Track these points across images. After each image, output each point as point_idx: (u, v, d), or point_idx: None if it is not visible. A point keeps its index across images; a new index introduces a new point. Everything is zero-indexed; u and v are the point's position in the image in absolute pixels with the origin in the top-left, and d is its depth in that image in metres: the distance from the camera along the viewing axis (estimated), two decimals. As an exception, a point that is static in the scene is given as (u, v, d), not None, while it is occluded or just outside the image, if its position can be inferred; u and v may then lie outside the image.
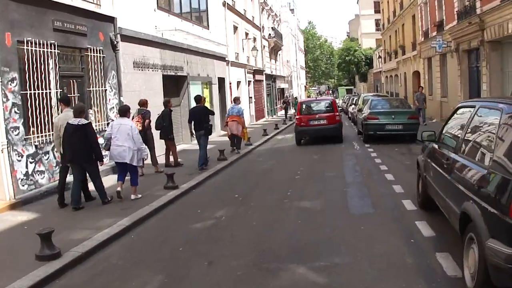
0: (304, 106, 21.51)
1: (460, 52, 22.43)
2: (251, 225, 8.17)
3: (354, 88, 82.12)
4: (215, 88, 26.64)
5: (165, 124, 14.55)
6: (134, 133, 10.16)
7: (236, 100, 19.51)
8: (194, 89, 22.55)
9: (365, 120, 18.81)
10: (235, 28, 32.84)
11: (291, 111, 44.88)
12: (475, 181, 4.99)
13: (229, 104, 28.72)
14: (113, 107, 15.57)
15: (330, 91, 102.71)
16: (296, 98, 46.39)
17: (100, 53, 14.83)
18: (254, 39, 38.36)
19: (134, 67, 16.94)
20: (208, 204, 10.07)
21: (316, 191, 10.55)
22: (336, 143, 19.58)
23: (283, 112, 52.99)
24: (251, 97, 37.45)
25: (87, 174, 9.96)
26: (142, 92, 17.29)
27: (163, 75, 19.21)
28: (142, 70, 17.55)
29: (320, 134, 20.13)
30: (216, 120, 25.77)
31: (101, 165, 10.25)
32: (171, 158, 15.05)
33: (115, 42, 15.69)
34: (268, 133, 25.39)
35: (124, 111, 10.64)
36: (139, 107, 14.21)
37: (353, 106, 32.58)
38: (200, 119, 14.49)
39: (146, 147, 11.16)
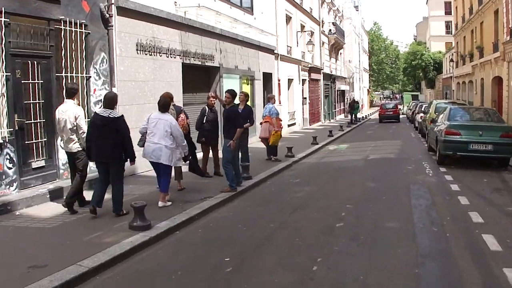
0: (383, 105, 44.05)
1: None
2: None
3: (421, 95, 75.54)
4: (259, 84, 22.02)
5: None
6: (175, 129, 8.75)
7: (270, 99, 15.66)
8: (229, 84, 18.01)
9: (442, 135, 13.68)
10: (288, 18, 28.08)
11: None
12: None
13: (276, 105, 24.27)
14: (101, 101, 11.30)
15: (398, 96, 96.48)
16: (357, 102, 41.02)
17: (82, 28, 10.80)
18: (312, 33, 33.43)
19: (138, 50, 12.63)
20: (174, 274, 5.62)
21: (364, 271, 5.68)
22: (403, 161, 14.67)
23: (342, 116, 48.09)
24: (305, 98, 32.60)
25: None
26: (149, 83, 13.05)
27: (183, 63, 14.78)
28: (151, 55, 13.19)
29: (389, 118, 40.03)
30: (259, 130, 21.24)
31: (131, 165, 8.73)
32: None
33: (107, 16, 11.48)
34: (319, 141, 20.48)
35: (164, 106, 8.97)
36: (173, 103, 10.27)
37: (421, 114, 27.12)
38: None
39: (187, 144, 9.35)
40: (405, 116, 47.63)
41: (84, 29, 10.86)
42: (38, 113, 9.70)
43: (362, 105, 64.01)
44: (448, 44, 61.86)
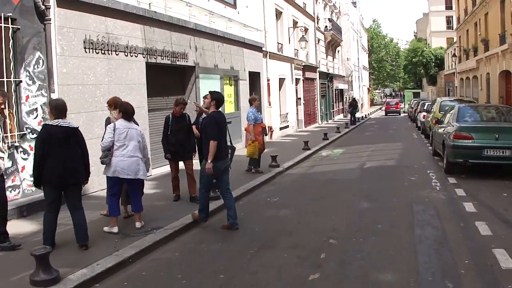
0: (388, 103, 57.01)
1: None
2: None
3: (422, 92, 73.14)
4: (244, 85, 19.88)
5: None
6: (144, 140, 7.71)
7: (252, 102, 13.14)
8: (208, 85, 15.95)
9: (451, 140, 11.53)
10: (279, 13, 25.93)
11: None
12: None
13: (266, 106, 22.22)
14: (36, 110, 9.31)
15: (403, 93, 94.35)
16: (356, 101, 38.51)
17: (8, 23, 8.76)
18: (305, 30, 31.23)
19: (86, 48, 10.54)
20: None
21: None
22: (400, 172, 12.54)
23: (341, 116, 45.92)
24: (300, 98, 30.45)
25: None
26: (103, 87, 10.98)
27: (147, 63, 12.69)
28: (105, 54, 11.10)
29: (392, 112, 52.91)
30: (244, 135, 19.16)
31: (85, 184, 7.05)
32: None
33: (43, 8, 9.41)
34: (311, 146, 18.39)
35: (131, 114, 7.66)
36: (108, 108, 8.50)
37: (424, 113, 24.87)
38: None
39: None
40: (406, 114, 45.52)
41: (11, 24, 8.83)
42: None
43: (362, 104, 61.89)
44: (450, 39, 60.04)
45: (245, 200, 9.91)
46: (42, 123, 8.76)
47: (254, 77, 21.52)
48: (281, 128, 25.16)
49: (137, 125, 8.10)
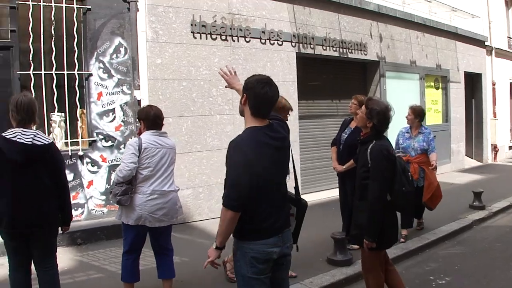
0: None
1: None
2: None
3: None
4: (458, 89, 15.06)
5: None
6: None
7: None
8: (399, 87, 12.08)
9: None
10: (509, -1, 20.35)
11: None
12: None
13: (489, 119, 17.19)
14: (113, 111, 6.76)
15: None
16: None
17: (72, 3, 6.49)
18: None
19: (195, 32, 7.66)
20: None
21: None
22: None
23: None
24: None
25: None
26: (222, 84, 7.82)
27: (298, 54, 9.35)
28: (226, 40, 8.09)
29: None
30: (457, 155, 14.68)
31: (64, 232, 4.11)
32: None
33: (126, -18, 6.90)
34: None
35: (161, 121, 4.48)
36: None
37: None
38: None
39: None
40: None
41: (78, 4, 6.42)
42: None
43: None
44: None
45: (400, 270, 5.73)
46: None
47: (474, 80, 16.61)
48: (510, 147, 19.42)
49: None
